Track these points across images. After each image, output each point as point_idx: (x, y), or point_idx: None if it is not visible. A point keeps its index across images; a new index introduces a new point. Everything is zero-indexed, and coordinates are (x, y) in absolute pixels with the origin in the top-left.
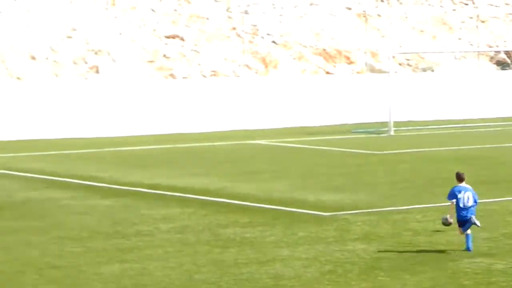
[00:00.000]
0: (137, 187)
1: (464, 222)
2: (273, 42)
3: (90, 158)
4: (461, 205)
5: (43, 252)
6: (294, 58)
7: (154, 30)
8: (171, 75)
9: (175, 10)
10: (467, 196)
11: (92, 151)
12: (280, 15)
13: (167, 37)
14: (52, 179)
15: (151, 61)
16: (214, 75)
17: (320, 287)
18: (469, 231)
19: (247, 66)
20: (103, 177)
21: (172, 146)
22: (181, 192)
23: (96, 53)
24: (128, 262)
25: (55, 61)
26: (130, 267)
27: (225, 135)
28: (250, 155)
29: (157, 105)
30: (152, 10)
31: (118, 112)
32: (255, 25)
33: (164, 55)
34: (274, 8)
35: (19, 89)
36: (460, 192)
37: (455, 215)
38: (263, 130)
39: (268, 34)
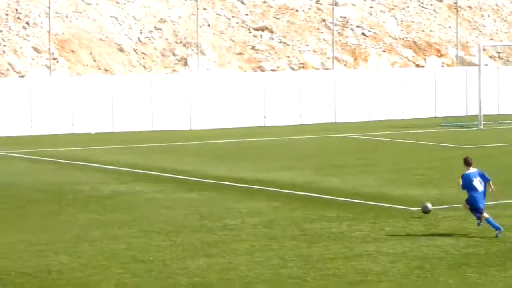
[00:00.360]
0: (224, 180)
1: (478, 207)
2: (363, 34)
3: (177, 151)
4: (477, 190)
5: (129, 245)
6: (383, 51)
7: (243, 22)
8: (260, 67)
9: (264, 1)
10: (478, 181)
11: (179, 144)
12: (370, 7)
13: (256, 29)
14: (139, 172)
15: (240, 53)
16: (303, 67)
17: (408, 282)
18: (485, 214)
19: (336, 58)
20: (190, 171)
21: (259, 139)
22: (268, 186)
23: (184, 45)
24: (213, 256)
25: (143, 53)
26: (215, 262)
27: (313, 128)
28: (338, 149)
29: (245, 97)
30: (241, 2)
31: (205, 105)
32: (344, 17)
33: (253, 47)
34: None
35: (106, 81)
36: (472, 179)
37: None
38: (351, 123)
39: (357, 26)
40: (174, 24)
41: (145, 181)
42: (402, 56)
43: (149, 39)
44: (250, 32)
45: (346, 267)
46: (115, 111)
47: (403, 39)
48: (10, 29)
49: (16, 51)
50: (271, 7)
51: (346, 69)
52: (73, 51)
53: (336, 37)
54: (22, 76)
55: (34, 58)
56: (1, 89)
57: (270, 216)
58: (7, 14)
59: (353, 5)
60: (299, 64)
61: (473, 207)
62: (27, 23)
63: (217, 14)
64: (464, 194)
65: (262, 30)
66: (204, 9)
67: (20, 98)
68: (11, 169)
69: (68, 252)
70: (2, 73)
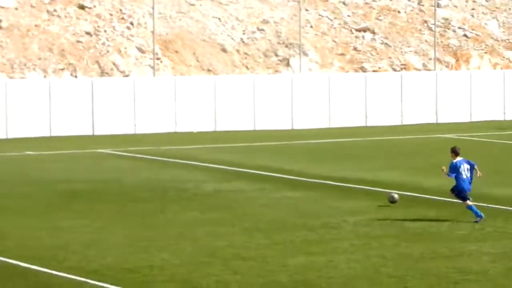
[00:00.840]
0: (325, 179)
1: (465, 194)
2: (465, 35)
3: (279, 150)
4: (464, 177)
5: (230, 243)
6: (485, 52)
7: (345, 23)
8: (361, 68)
9: (366, 3)
10: (466, 168)
11: (281, 144)
12: (472, 8)
13: (358, 30)
14: (241, 171)
15: (342, 54)
16: (405, 68)
17: (508, 282)
18: (468, 202)
19: (438, 59)
20: (292, 170)
21: (360, 139)
22: (369, 185)
23: (286, 46)
24: (314, 254)
25: (245, 53)
26: (316, 259)
27: (414, 129)
28: (438, 149)
29: (346, 98)
30: (344, 3)
31: (307, 105)
32: (446, 18)
33: (355, 48)
34: (466, 1)
35: (209, 82)
36: (460, 166)
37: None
38: (452, 124)
39: (459, 28)
40: (276, 25)
41: (247, 179)
42: (504, 57)
43: (252, 39)
44: (352, 33)
45: (446, 267)
46: (217, 111)
47: (505, 40)
48: (114, 29)
49: (120, 51)
50: (373, 8)
51: (448, 70)
52: (176, 52)
53: (437, 39)
54: (126, 76)
55: (138, 58)
56: (105, 88)
57: (370, 215)
58: (111, 15)
59: (455, 6)
60: (401, 65)
61: (460, 194)
62: (131, 23)
63: (319, 15)
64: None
65: (364, 31)
66: (307, 10)
67: (124, 97)
68: (115, 167)
69: (170, 249)
70: (107, 73)
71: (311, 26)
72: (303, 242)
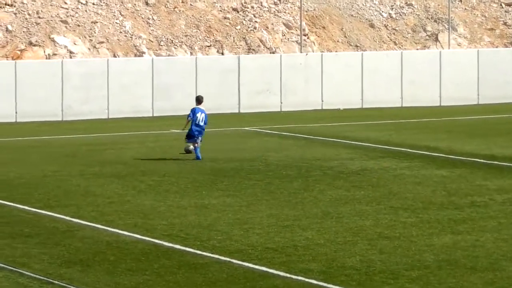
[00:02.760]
0: (473, 157)
1: (193, 136)
2: None
3: (425, 127)
4: (196, 122)
5: (376, 222)
6: None
7: None
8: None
9: None
10: (202, 117)
11: (427, 121)
12: None
13: (508, 4)
14: (387, 149)
15: (491, 29)
16: None
17: None
18: (197, 145)
19: None
20: (439, 147)
21: (508, 115)
22: None
23: (435, 21)
24: (460, 233)
25: (394, 29)
26: (462, 239)
27: None
28: None
29: (497, 74)
30: None
31: (454, 81)
32: None
33: (505, 23)
34: None
35: (356, 57)
36: (197, 112)
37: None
38: None
39: None
40: (425, 0)
41: (393, 157)
42: None
43: (400, 15)
44: (502, 8)
45: None
46: (364, 88)
47: None
48: (261, 5)
49: (267, 27)
50: None
51: None
52: (323, 27)
53: None
54: (273, 52)
55: (285, 34)
56: (252, 65)
57: None
58: None
59: None
60: None
61: (191, 135)
62: None
63: None
64: None
65: None
66: None
67: (270, 74)
68: (262, 145)
69: (315, 228)
70: (253, 49)
71: (460, 1)
72: (450, 221)
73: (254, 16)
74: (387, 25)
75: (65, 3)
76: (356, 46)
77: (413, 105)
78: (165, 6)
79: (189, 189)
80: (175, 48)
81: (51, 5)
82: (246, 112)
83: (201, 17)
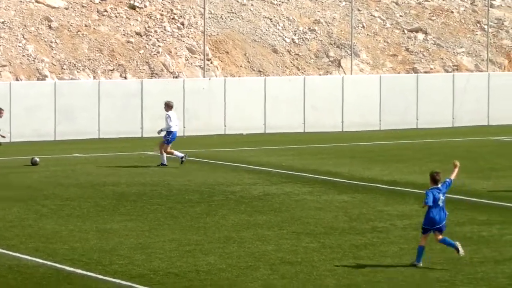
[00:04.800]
0: (375, 183)
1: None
2: None
3: (327, 153)
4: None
5: (278, 247)
6: None
7: (398, 23)
8: (413, 69)
9: (419, 3)
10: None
11: (330, 146)
12: None
13: (410, 30)
14: (290, 174)
15: (394, 55)
16: (457, 69)
17: None
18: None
19: (490, 61)
20: (341, 172)
21: (411, 141)
22: (419, 189)
23: (338, 46)
24: (362, 258)
25: (296, 54)
26: (364, 264)
27: (466, 131)
28: (491, 151)
29: (398, 99)
30: (396, 3)
31: (356, 107)
32: (500, 19)
33: (407, 49)
34: None
35: (259, 83)
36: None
37: None
38: (506, 126)
39: None
40: (328, 26)
41: (295, 182)
42: None
43: (303, 40)
44: (405, 34)
45: (495, 271)
46: (267, 113)
47: None
48: (165, 29)
49: (171, 52)
50: (426, 8)
51: (500, 72)
52: (227, 52)
53: (490, 39)
54: (176, 77)
55: (188, 59)
56: (155, 89)
57: (420, 219)
58: (162, 15)
59: (509, 6)
60: (453, 66)
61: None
62: (182, 24)
63: (371, 15)
64: None
65: (417, 31)
66: (359, 10)
67: (173, 99)
68: (164, 169)
69: (217, 252)
70: (156, 74)
71: (363, 27)
72: (351, 246)
73: (158, 40)
74: (290, 50)
75: None
76: (259, 71)
77: (315, 131)
78: (68, 30)
79: (91, 213)
80: (77, 71)
81: None
82: (149, 137)
83: (104, 41)
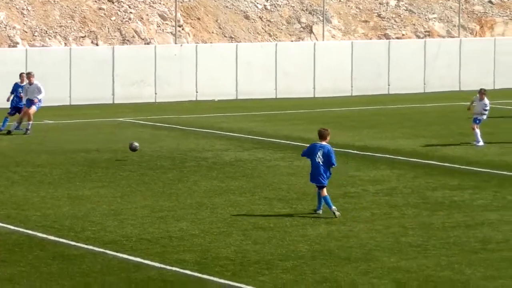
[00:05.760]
0: (346, 148)
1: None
2: (490, 2)
3: (299, 118)
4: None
5: (250, 212)
6: (510, 19)
7: None
8: (385, 35)
9: None
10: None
11: (301, 112)
12: None
13: None
14: (262, 140)
15: (365, 21)
16: (429, 35)
17: None
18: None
19: (462, 26)
20: (313, 138)
21: (383, 107)
22: (390, 154)
23: (310, 12)
24: (334, 224)
25: (268, 20)
26: (336, 229)
27: (437, 97)
28: (462, 117)
29: (369, 65)
30: None
31: (330, 73)
32: None
33: (379, 15)
34: None
35: (231, 49)
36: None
37: None
38: (475, 91)
39: None
40: None
41: (267, 148)
42: None
43: (275, 6)
44: (377, 0)
45: (467, 236)
46: (239, 79)
47: None
48: None
49: (142, 18)
50: None
51: (472, 37)
52: (198, 19)
53: (462, 5)
54: (148, 43)
55: (159, 25)
56: (127, 56)
57: (391, 184)
58: None
59: None
60: (425, 32)
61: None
62: None
63: None
64: None
65: None
66: None
67: (145, 65)
68: (136, 136)
69: (189, 218)
70: (128, 40)
71: None
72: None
73: (129, 7)
74: (262, 16)
75: None
76: (231, 37)
77: (287, 97)
78: None
79: (62, 180)
80: (49, 38)
81: None
82: (120, 103)
83: (75, 7)
